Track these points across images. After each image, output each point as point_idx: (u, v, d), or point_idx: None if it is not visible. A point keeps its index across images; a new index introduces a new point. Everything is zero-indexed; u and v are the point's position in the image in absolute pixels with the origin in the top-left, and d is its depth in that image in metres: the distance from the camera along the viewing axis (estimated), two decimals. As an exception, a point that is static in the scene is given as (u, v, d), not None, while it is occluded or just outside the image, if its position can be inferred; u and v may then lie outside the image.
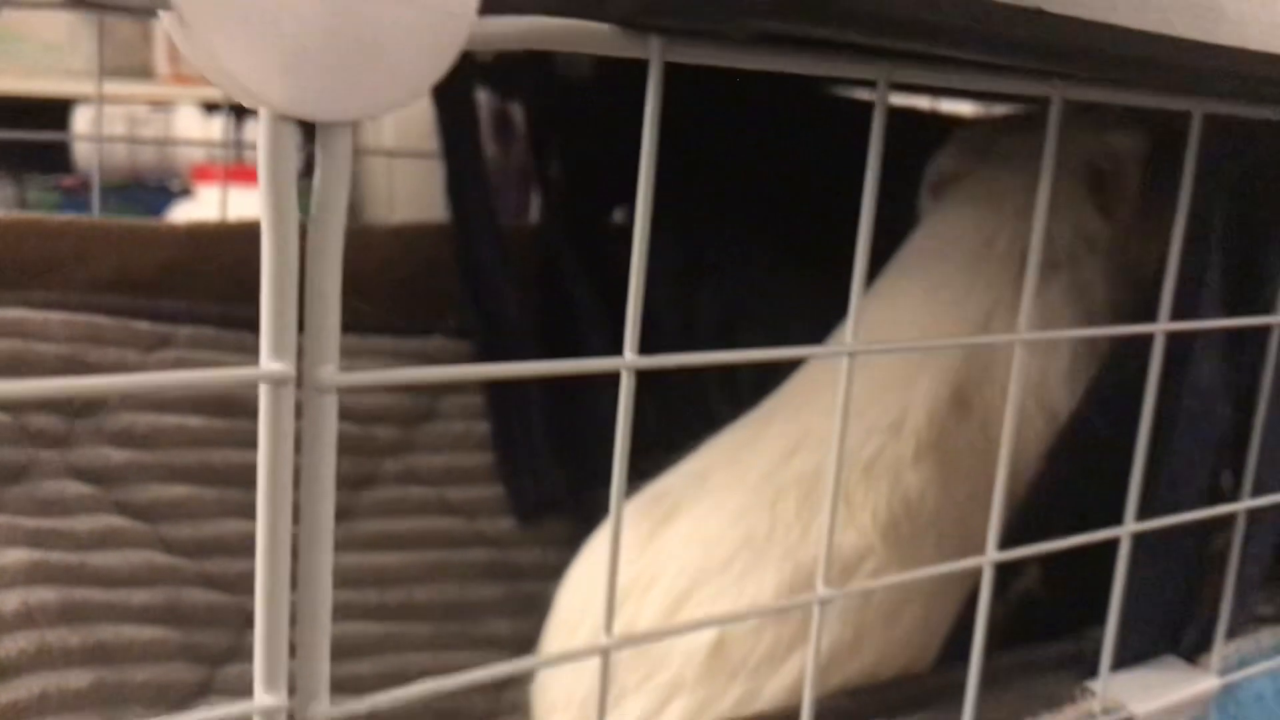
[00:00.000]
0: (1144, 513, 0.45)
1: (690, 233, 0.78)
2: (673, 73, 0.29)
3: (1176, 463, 0.46)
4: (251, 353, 0.67)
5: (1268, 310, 0.46)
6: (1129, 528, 0.44)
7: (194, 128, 1.47)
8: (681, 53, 0.30)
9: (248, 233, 0.71)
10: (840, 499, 0.54)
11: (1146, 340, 0.42)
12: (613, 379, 0.32)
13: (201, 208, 1.37)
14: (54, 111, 1.49)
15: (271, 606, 0.26)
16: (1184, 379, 0.46)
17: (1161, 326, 0.42)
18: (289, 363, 0.25)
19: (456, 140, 0.74)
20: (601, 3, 0.28)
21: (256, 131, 0.24)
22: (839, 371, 0.35)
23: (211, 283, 0.67)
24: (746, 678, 0.51)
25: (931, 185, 0.65)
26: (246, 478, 0.65)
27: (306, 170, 0.25)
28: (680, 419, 0.61)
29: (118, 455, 0.61)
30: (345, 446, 0.66)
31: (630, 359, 0.31)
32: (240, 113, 1.15)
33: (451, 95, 0.74)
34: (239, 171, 1.05)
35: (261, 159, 0.24)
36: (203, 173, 1.37)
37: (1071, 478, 0.51)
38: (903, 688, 0.51)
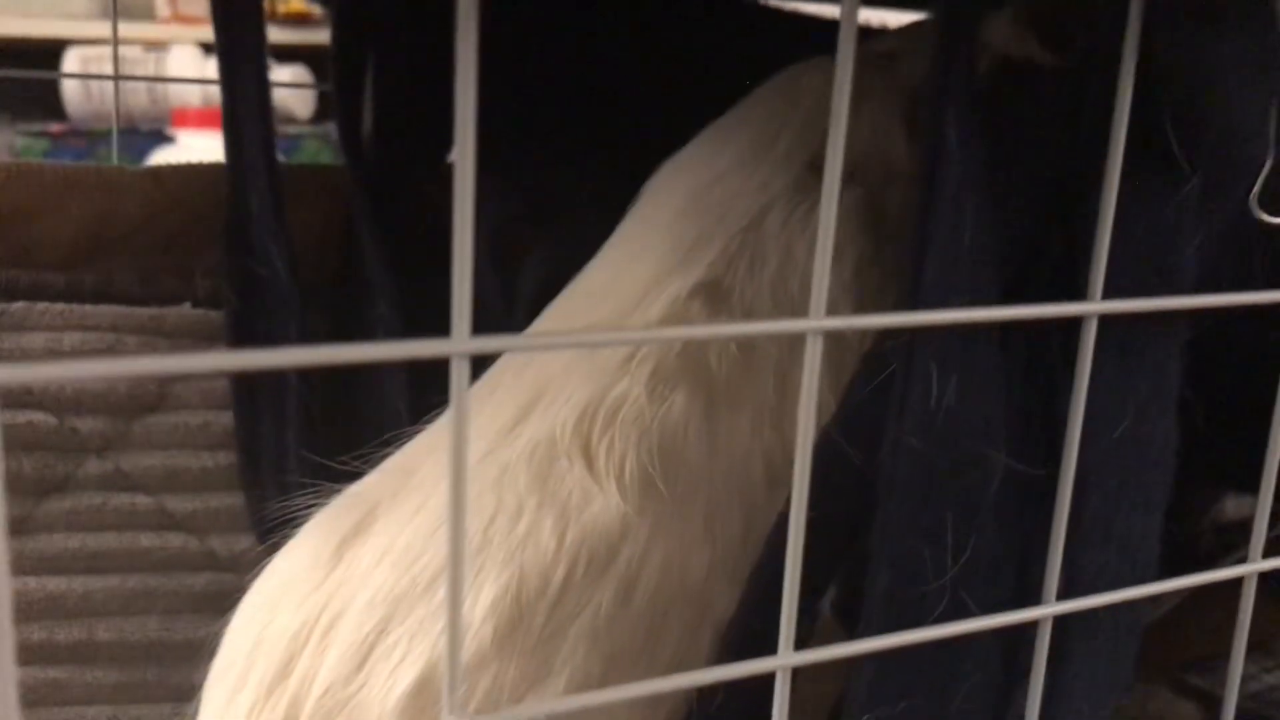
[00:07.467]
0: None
1: (522, 180, 0.61)
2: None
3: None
4: None
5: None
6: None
7: (190, 69, 1.36)
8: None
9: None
10: (582, 461, 0.41)
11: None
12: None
13: (182, 154, 1.27)
14: (48, 55, 1.42)
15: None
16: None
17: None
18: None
19: (237, 56, 0.59)
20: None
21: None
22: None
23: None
24: None
25: None
26: None
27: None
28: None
29: None
30: (35, 443, 0.52)
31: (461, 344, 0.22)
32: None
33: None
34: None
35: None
36: (181, 117, 1.26)
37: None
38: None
